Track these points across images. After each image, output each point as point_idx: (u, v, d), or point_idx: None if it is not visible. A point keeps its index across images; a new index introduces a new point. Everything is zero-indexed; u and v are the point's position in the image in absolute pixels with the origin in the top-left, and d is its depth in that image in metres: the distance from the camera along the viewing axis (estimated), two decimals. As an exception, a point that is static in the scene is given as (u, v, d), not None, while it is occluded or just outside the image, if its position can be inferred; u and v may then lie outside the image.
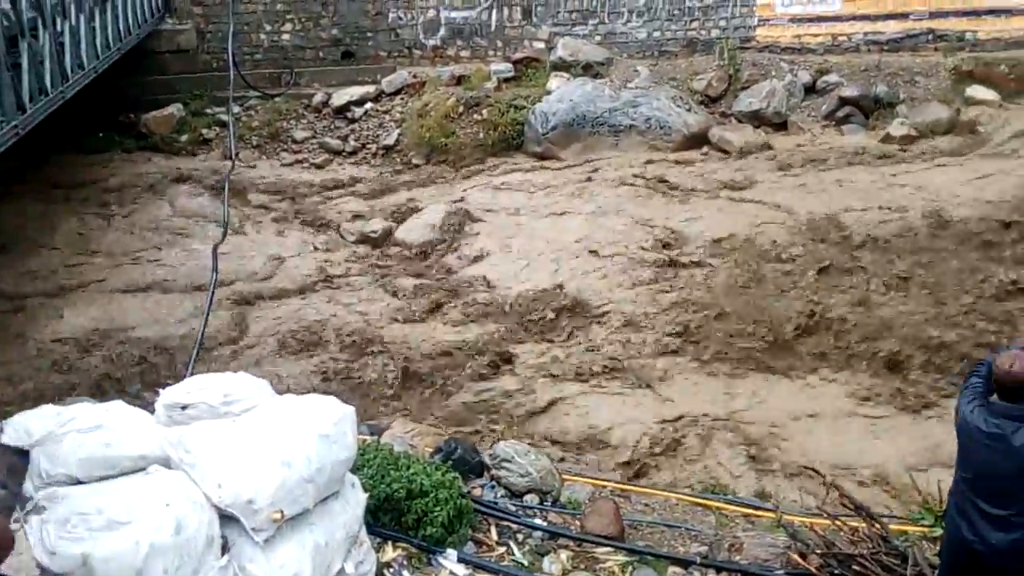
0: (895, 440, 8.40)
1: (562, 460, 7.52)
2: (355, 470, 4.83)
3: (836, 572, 5.29)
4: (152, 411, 4.47)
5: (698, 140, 15.12)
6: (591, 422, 8.67)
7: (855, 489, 7.27)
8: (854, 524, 5.71)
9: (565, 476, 6.50)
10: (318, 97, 16.55)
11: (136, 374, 9.47)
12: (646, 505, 6.42)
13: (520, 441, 6.96)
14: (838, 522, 5.73)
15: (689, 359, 9.62)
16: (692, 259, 11.34)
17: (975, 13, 16.49)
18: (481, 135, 15.23)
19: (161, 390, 4.54)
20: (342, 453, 4.46)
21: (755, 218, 12.03)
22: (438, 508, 5.19)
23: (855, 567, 5.29)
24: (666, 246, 11.68)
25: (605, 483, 6.63)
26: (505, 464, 6.23)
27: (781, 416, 8.68)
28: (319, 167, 15.25)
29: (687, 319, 10.13)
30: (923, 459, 7.83)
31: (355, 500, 4.62)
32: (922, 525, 6.06)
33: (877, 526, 5.62)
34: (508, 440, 6.80)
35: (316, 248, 12.43)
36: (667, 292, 10.73)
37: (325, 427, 4.44)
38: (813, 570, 5.35)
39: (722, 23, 17.76)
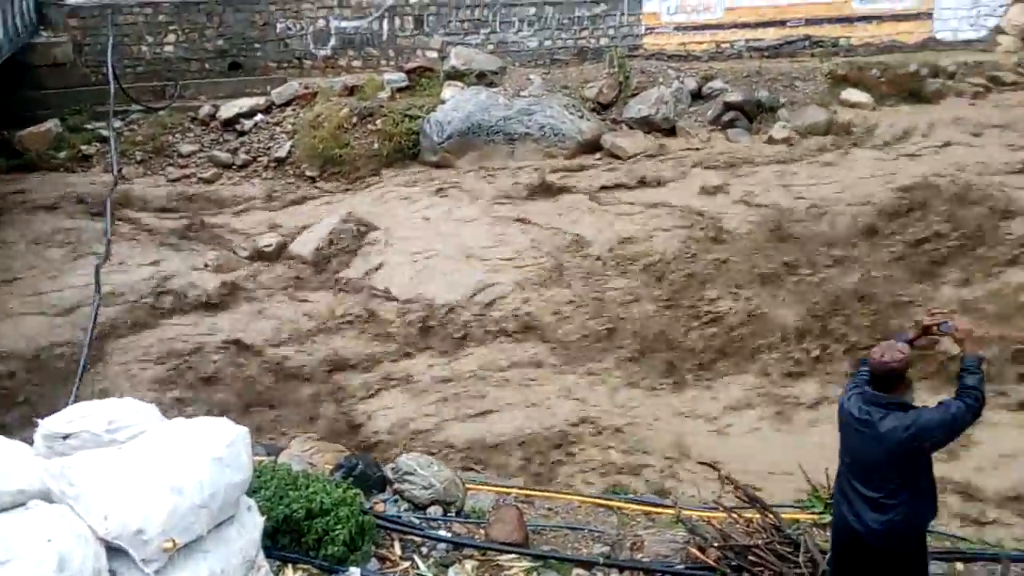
0: (791, 434, 8.70)
1: (465, 470, 7.53)
2: (251, 492, 4.70)
3: (733, 564, 5.45)
4: (30, 442, 4.25)
5: (592, 147, 15.39)
6: (492, 429, 8.70)
7: (758, 482, 7.51)
8: (749, 516, 5.90)
9: (469, 485, 6.50)
10: (205, 110, 16.11)
11: (11, 401, 9.01)
12: (550, 509, 6.48)
13: (422, 453, 6.92)
14: (734, 515, 5.91)
15: (591, 363, 9.76)
16: (591, 264, 11.51)
17: (848, 20, 17.31)
18: (376, 145, 15.11)
19: (39, 419, 4.32)
20: (236, 476, 4.34)
21: (650, 222, 12.33)
22: (339, 526, 5.12)
23: (751, 557, 5.46)
24: (565, 251, 11.84)
25: (508, 490, 6.66)
26: (408, 477, 6.19)
27: (680, 415, 8.90)
28: (208, 182, 14.84)
29: (587, 324, 10.28)
30: (816, 452, 8.09)
31: (252, 524, 4.50)
32: (812, 512, 6.29)
33: (770, 516, 5.82)
34: (410, 453, 6.75)
35: (207, 266, 12.08)
36: (568, 298, 10.86)
37: (218, 450, 4.31)
38: (711, 563, 5.50)
39: (611, 32, 18.14)
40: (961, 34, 16.84)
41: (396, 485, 6.16)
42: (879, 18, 17.13)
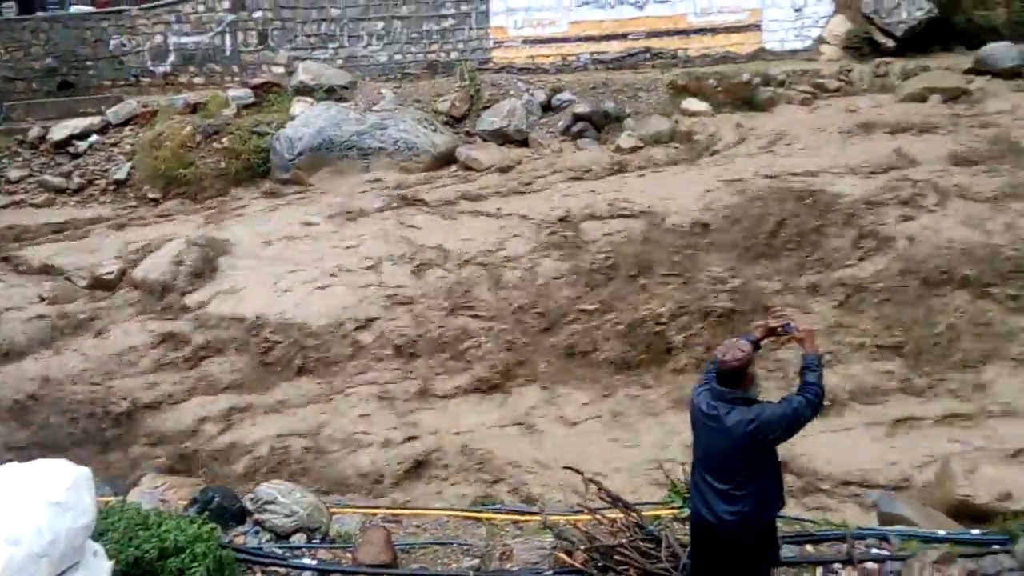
0: (650, 432, 8.96)
1: (329, 493, 7.36)
2: (98, 536, 4.45)
3: (600, 564, 5.55)
4: None
5: (446, 159, 15.47)
6: (357, 450, 8.55)
7: (624, 482, 7.70)
8: (613, 516, 6.02)
9: (334, 509, 6.35)
10: (34, 132, 15.17)
11: None
12: (418, 527, 6.41)
13: (283, 480, 6.71)
14: (598, 516, 6.01)
15: (452, 377, 9.75)
16: (452, 277, 11.50)
17: (684, 33, 18.09)
18: (223, 164, 14.65)
19: None
20: (79, 520, 4.10)
21: (509, 232, 12.44)
22: (195, 564, 4.89)
23: (616, 557, 5.57)
24: (424, 265, 11.78)
25: (375, 510, 6.55)
26: (268, 506, 5.99)
27: (540, 421, 9.00)
28: (40, 207, 13.95)
29: (447, 339, 10.25)
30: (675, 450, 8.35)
31: (99, 569, 4.27)
32: (673, 507, 6.49)
33: (633, 515, 5.96)
34: (271, 481, 6.53)
35: (42, 298, 11.33)
36: (429, 314, 10.81)
37: (56, 494, 4.06)
38: (579, 565, 5.57)
39: (460, 46, 18.28)
40: (788, 44, 17.90)
41: (256, 515, 5.95)
42: (713, 30, 17.99)
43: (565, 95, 16.87)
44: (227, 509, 5.86)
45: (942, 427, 8.39)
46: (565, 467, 7.79)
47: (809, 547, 5.88)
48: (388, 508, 6.80)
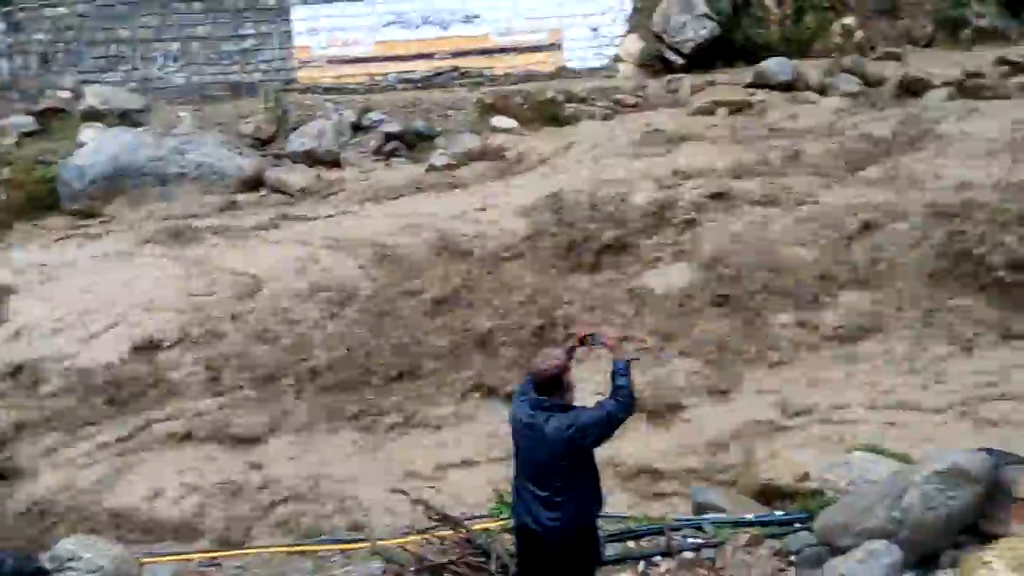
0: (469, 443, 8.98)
1: (138, 543, 6.89)
2: None
3: (431, 584, 5.51)
4: None
5: (254, 183, 14.99)
6: (168, 495, 8.06)
7: (443, 499, 7.66)
8: (443, 534, 6.00)
9: (144, 559, 5.95)
10: None
11: None
12: (240, 568, 6.12)
13: (87, 533, 6.22)
14: (428, 535, 5.98)
15: (268, 408, 9.40)
16: (266, 305, 11.09)
17: (490, 52, 18.45)
18: (4, 197, 13.49)
19: None
20: None
21: (324, 254, 12.15)
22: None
23: (447, 574, 5.56)
24: (233, 294, 11.31)
25: (190, 556, 6.20)
26: (71, 564, 5.54)
27: (370, 450, 8.85)
28: None
29: (262, 370, 9.86)
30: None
31: None
32: (502, 519, 6.54)
33: (462, 530, 5.97)
34: (71, 536, 6.04)
35: None
36: (240, 345, 10.36)
37: None
38: (410, 588, 5.51)
39: (263, 66, 17.81)
40: (588, 63, 18.63)
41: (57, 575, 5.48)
42: (516, 50, 18.46)
43: (375, 115, 16.78)
44: (23, 572, 5.36)
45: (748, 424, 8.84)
46: (393, 490, 7.72)
47: (631, 543, 6.10)
48: (204, 552, 6.46)
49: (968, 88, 15.93)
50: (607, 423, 4.62)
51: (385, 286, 11.13)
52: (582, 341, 5.01)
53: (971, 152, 13.40)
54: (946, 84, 16.24)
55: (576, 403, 4.72)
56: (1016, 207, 10.87)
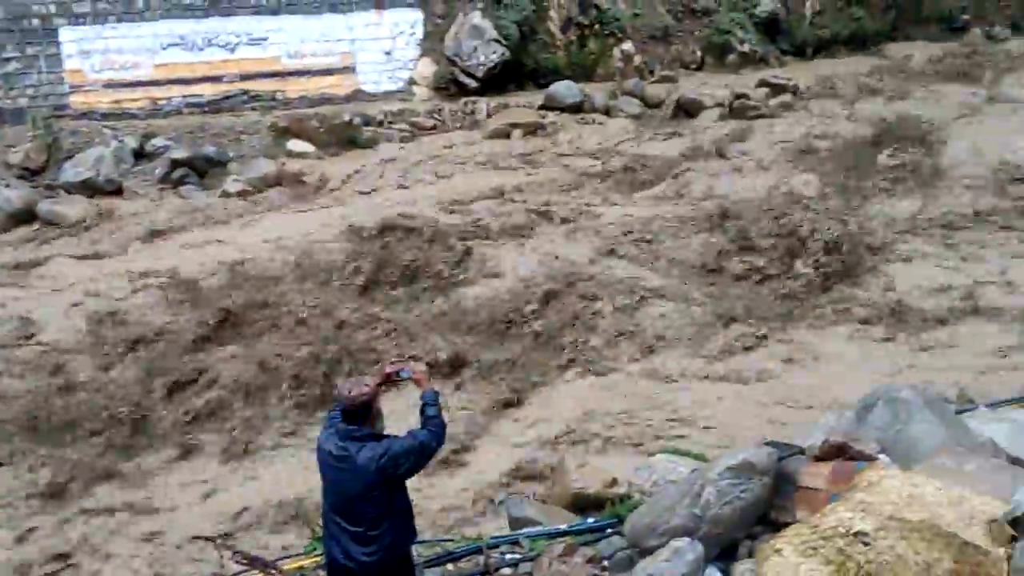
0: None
1: None
2: None
3: (242, 633, 5.24)
4: None
5: (26, 217, 13.93)
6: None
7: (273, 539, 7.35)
8: (255, 578, 5.74)
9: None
10: None
11: None
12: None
13: None
14: (239, 582, 5.70)
15: (53, 452, 8.63)
16: (46, 349, 10.20)
17: (280, 75, 18.01)
18: None
19: None
20: None
21: (110, 290, 11.36)
22: None
23: (260, 620, 5.31)
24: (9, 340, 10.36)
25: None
26: None
27: (163, 489, 8.32)
28: None
29: (56, 420, 9.05)
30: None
31: None
32: (316, 555, 6.33)
33: (273, 572, 5.73)
34: None
35: None
36: (23, 388, 9.48)
37: None
38: (220, 640, 5.22)
39: (30, 91, 16.51)
40: (383, 86, 18.63)
41: None
42: (308, 72, 18.15)
43: (160, 141, 15.96)
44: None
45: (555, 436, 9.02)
46: (195, 537, 7.29)
47: (450, 566, 6.07)
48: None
49: (736, 108, 17.34)
50: (420, 452, 4.58)
51: (180, 320, 10.53)
52: (388, 377, 4.96)
53: (740, 166, 14.59)
54: (718, 105, 17.62)
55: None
56: (786, 213, 11.90)
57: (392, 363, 5.15)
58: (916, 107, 16.07)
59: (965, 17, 23.11)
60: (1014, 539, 3.93)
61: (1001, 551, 3.89)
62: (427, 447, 4.60)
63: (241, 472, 8.58)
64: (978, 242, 11.91)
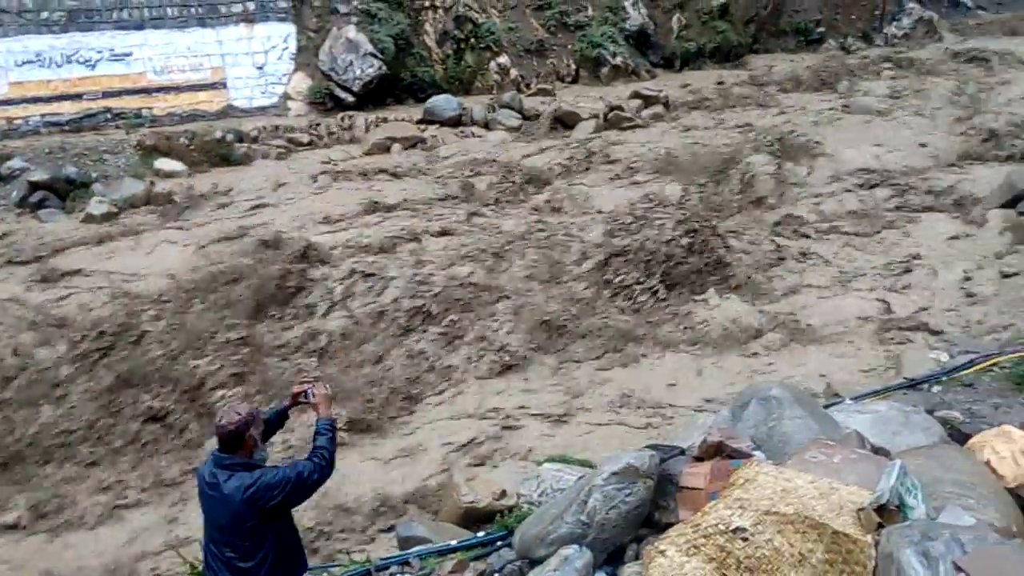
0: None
1: None
2: None
3: None
4: None
5: None
6: None
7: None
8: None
9: None
10: None
11: None
12: None
13: None
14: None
15: None
16: None
17: (146, 91, 17.34)
18: None
19: None
20: None
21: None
22: None
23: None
24: None
25: None
26: None
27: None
28: None
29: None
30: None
31: None
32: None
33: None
34: None
35: None
36: None
37: None
38: None
39: None
40: (256, 101, 18.17)
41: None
42: (176, 89, 17.54)
43: (16, 162, 15.09)
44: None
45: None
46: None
47: (340, 591, 5.93)
48: None
49: (611, 119, 17.75)
50: (296, 484, 4.32)
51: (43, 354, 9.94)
52: (295, 397, 4.80)
53: (615, 174, 14.94)
54: (593, 116, 17.99)
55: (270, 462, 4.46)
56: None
57: (300, 383, 4.93)
58: (780, 117, 16.85)
59: (820, 30, 24.46)
60: (880, 525, 4.10)
61: (868, 538, 4.05)
62: (306, 479, 4.34)
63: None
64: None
